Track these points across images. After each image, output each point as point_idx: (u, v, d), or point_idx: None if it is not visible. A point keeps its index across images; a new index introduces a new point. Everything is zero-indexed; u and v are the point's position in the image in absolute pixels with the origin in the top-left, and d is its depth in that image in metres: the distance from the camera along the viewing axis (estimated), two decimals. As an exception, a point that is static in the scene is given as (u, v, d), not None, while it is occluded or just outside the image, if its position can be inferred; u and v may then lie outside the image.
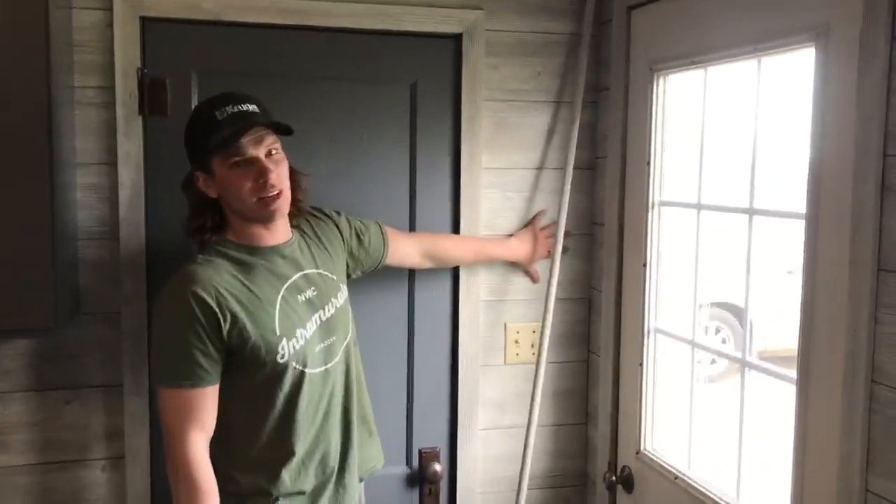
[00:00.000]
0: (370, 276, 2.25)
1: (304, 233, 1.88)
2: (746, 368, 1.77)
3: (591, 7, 2.33)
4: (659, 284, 2.14)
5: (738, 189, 1.84)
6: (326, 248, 1.92)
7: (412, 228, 2.32)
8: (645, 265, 2.15)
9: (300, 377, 1.73)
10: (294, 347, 1.72)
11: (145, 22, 2.07)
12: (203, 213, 1.76)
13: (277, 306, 1.72)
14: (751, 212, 1.75)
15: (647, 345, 2.16)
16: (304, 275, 1.81)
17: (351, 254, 2.01)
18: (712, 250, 1.99)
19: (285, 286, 1.76)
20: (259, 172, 1.68)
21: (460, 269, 2.34)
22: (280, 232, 1.80)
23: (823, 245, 1.50)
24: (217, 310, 1.64)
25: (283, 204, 1.73)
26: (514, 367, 2.43)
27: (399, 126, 2.29)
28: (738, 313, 6.48)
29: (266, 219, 1.74)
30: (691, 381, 2.00)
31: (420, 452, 2.38)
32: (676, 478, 2.00)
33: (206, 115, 1.71)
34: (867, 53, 1.36)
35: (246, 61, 2.17)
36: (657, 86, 2.10)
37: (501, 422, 2.44)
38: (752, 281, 1.78)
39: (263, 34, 2.17)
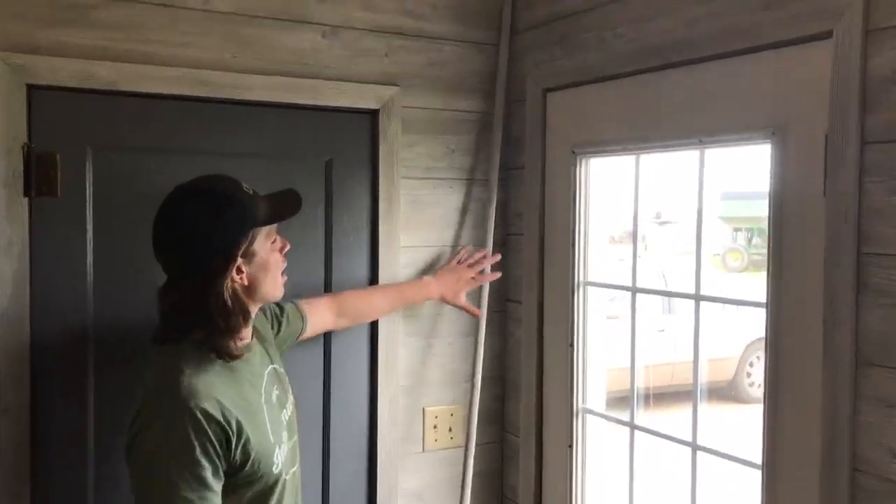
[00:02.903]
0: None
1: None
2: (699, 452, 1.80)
3: (502, 87, 2.33)
4: (587, 364, 2.14)
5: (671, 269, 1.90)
6: (267, 340, 1.76)
7: (327, 313, 2.17)
8: (571, 345, 2.14)
9: (284, 486, 1.58)
10: (283, 453, 1.58)
11: (33, 90, 1.80)
12: (245, 308, 1.54)
13: (265, 409, 1.57)
14: (697, 297, 1.80)
15: (577, 426, 2.14)
16: (269, 371, 1.67)
17: (276, 338, 1.85)
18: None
19: (263, 385, 1.61)
20: (283, 245, 1.63)
21: (379, 353, 2.22)
22: (251, 329, 1.64)
23: (789, 335, 1.56)
24: (226, 425, 1.43)
25: None
26: (433, 454, 2.33)
27: (314, 204, 2.14)
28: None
29: (279, 297, 1.65)
30: (630, 461, 2.00)
31: (337, 554, 2.20)
32: (617, 561, 1.98)
33: (234, 193, 1.53)
34: (837, 156, 1.44)
35: (149, 135, 1.94)
36: (580, 168, 2.13)
37: (420, 512, 2.32)
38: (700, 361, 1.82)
39: (169, 105, 1.96)
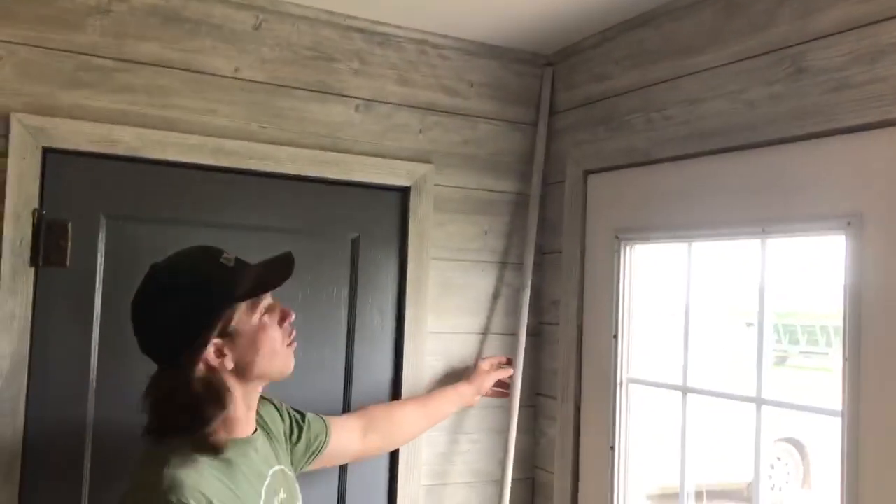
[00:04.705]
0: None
1: (259, 421, 1.52)
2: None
3: (539, 167, 2.22)
4: (628, 469, 1.96)
5: (725, 371, 1.75)
6: (278, 439, 1.58)
7: (347, 395, 2.02)
8: (613, 448, 1.96)
9: None
10: None
11: (48, 154, 1.69)
12: (226, 397, 1.35)
13: None
14: (759, 401, 1.63)
15: (617, 537, 1.94)
16: (275, 471, 1.47)
17: (293, 447, 1.65)
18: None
19: (264, 487, 1.41)
20: (284, 315, 1.44)
21: (400, 449, 2.04)
22: (253, 418, 1.46)
23: (873, 450, 1.39)
24: None
25: None
26: (455, 563, 2.12)
27: (338, 283, 2.01)
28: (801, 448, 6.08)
29: (286, 373, 1.46)
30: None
31: None
32: None
33: (208, 267, 1.36)
34: (928, 251, 1.30)
35: (168, 205, 1.83)
36: (624, 255, 1.99)
37: None
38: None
39: (191, 175, 1.85)
